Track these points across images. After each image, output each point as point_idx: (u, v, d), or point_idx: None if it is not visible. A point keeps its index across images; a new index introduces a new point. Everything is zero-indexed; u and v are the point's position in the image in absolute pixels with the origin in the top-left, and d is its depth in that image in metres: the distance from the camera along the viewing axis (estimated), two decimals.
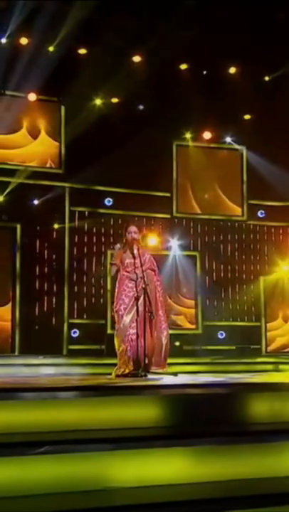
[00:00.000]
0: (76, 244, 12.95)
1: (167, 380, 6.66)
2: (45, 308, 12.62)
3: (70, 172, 12.79)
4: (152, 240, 13.31)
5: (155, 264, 7.52)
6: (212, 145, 14.03)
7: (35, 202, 12.57)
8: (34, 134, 12.82)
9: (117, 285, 7.39)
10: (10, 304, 12.42)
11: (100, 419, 4.47)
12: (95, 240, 12.97)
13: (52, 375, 8.12)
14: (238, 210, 14.18)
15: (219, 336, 13.48)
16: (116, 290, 7.39)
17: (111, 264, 7.54)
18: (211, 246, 13.98)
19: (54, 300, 12.61)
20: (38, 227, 12.70)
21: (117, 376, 7.15)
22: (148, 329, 7.16)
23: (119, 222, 13.10)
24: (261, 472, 4.22)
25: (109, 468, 3.98)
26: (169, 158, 13.72)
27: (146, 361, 7.04)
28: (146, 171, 12.98)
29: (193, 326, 13.58)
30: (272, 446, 4.36)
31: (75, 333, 12.57)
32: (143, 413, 4.57)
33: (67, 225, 12.90)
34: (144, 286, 7.10)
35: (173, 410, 4.63)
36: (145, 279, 7.15)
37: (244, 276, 14.12)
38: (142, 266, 7.14)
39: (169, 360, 9.56)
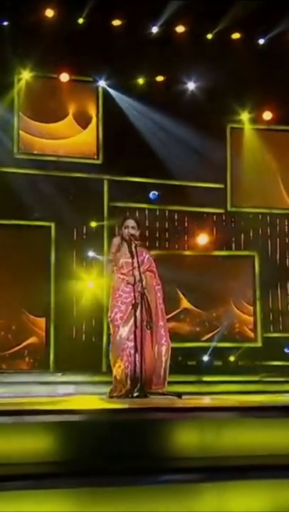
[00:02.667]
0: None
1: (163, 401, 6.20)
2: (83, 319, 12.00)
3: (108, 162, 12.09)
4: (203, 238, 12.56)
5: (154, 265, 7.01)
6: (273, 127, 13.13)
7: (71, 197, 11.89)
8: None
9: (111, 290, 6.92)
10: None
11: None
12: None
13: (53, 394, 7.70)
14: None
15: (287, 351, 12.41)
16: (111, 296, 6.91)
17: (111, 258, 6.94)
18: (272, 245, 13.12)
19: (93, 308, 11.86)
20: (74, 227, 12.10)
21: (112, 398, 6.70)
22: (148, 342, 6.75)
23: (166, 218, 12.43)
24: None
25: None
26: (223, 144, 12.87)
27: (144, 380, 6.60)
28: (197, 159, 12.21)
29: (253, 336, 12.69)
30: (194, 488, 3.82)
31: None
32: (29, 444, 4.01)
33: (106, 223, 12.21)
34: (140, 290, 6.62)
35: (69, 441, 4.07)
36: (144, 282, 6.68)
37: None
38: (139, 267, 6.64)
39: (217, 378, 8.85)
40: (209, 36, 12.22)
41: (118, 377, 6.75)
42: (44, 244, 11.98)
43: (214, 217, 12.89)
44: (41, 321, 11.89)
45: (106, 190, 12.30)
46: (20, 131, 11.94)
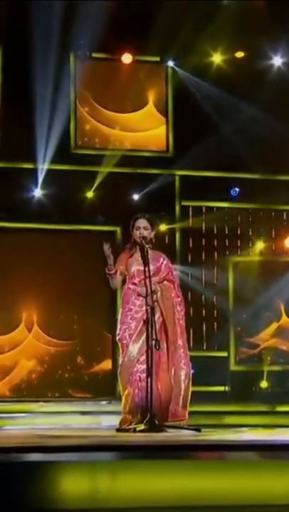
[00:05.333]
0: (191, 249, 11.63)
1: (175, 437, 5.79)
2: None
3: (180, 155, 11.46)
4: None
5: (174, 273, 6.70)
6: None
7: (137, 197, 11.38)
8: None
9: (122, 303, 6.62)
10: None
11: None
12: (215, 243, 11.61)
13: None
14: None
15: None
16: (120, 310, 6.57)
17: (108, 272, 6.51)
18: None
19: None
20: None
21: (119, 431, 6.27)
22: (163, 364, 6.40)
23: (249, 219, 11.72)
24: None
25: None
26: None
27: (158, 410, 6.24)
28: (285, 148, 11.49)
29: None
30: None
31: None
32: None
33: (178, 225, 11.61)
34: (151, 303, 6.22)
35: None
36: (158, 293, 6.39)
37: None
38: (151, 276, 6.25)
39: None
40: None
41: (127, 407, 6.35)
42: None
43: None
44: (108, 339, 11.28)
45: (178, 187, 11.70)
46: (78, 124, 11.45)
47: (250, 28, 11.03)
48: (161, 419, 6.26)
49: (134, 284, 6.43)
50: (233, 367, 11.11)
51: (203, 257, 11.63)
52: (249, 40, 11.27)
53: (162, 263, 6.61)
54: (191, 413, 9.24)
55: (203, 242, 11.63)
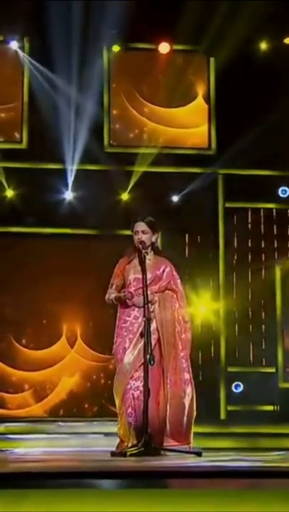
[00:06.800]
0: (235, 253, 11.06)
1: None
2: (196, 351, 10.41)
3: (224, 153, 10.86)
4: None
5: (179, 281, 6.26)
6: None
7: (176, 198, 10.85)
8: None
9: (118, 315, 6.22)
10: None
11: None
12: (262, 248, 11.06)
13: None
14: None
15: None
16: (116, 322, 6.18)
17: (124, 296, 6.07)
18: None
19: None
20: (182, 235, 10.91)
21: (114, 455, 5.70)
22: (159, 380, 5.99)
23: None
24: None
25: None
26: None
27: (154, 431, 5.75)
28: None
29: None
30: None
31: (238, 388, 10.60)
32: None
33: (221, 228, 10.98)
34: (147, 314, 5.81)
35: None
36: (156, 304, 6.02)
37: None
38: (148, 285, 5.84)
39: None
40: None
41: (123, 428, 5.95)
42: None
43: None
44: None
45: (221, 187, 11.10)
46: (112, 120, 10.96)
47: None
48: (159, 442, 5.83)
49: (130, 293, 6.04)
50: (281, 384, 10.50)
51: (250, 259, 11.10)
52: None
53: (164, 271, 6.20)
54: (236, 435, 8.78)
55: (249, 246, 11.06)
